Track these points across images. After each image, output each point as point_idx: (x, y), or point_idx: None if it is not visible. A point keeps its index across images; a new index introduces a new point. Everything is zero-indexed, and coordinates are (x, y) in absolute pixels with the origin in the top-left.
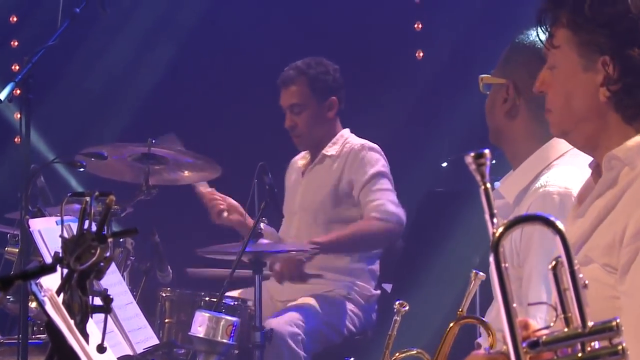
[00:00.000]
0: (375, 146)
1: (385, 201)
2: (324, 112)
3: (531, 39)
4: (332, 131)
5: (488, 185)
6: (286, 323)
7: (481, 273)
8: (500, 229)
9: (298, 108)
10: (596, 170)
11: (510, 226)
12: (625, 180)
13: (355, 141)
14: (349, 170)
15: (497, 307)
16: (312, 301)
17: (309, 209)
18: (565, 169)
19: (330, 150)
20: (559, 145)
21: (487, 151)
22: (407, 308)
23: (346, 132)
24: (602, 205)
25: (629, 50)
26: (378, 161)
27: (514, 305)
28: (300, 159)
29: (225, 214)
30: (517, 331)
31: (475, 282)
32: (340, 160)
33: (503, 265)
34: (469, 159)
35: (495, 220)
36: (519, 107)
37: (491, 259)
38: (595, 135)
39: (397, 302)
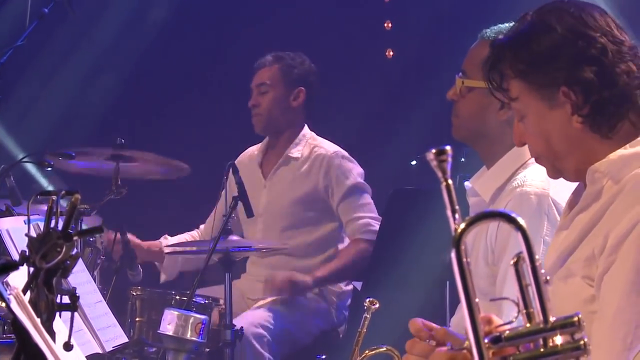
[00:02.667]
0: (347, 154)
1: (370, 220)
2: (289, 99)
3: None
4: (293, 123)
5: (449, 181)
6: (251, 324)
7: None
8: (462, 225)
9: (265, 87)
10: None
11: (472, 222)
12: (609, 194)
13: (327, 146)
14: (325, 177)
15: None
16: (280, 301)
17: (276, 212)
18: (541, 168)
19: (295, 152)
20: None
21: (448, 148)
22: (377, 306)
23: (308, 132)
24: (587, 219)
25: (580, 72)
26: (353, 170)
27: (476, 300)
28: (251, 158)
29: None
30: (479, 327)
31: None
32: (310, 165)
33: (464, 260)
34: (431, 155)
35: (457, 216)
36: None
37: (452, 254)
38: (583, 163)
39: (367, 300)
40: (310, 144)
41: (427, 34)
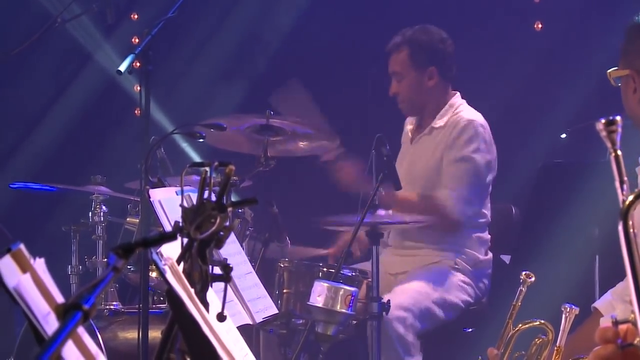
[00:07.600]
0: (482, 123)
1: (459, 196)
2: (424, 81)
3: None
4: (438, 100)
5: (619, 152)
6: (395, 307)
7: (574, 307)
8: (631, 197)
9: (399, 76)
10: None
11: None
12: None
13: (466, 114)
14: (447, 139)
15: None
16: (421, 280)
17: (414, 180)
18: None
19: (439, 122)
20: None
21: (618, 118)
22: (533, 279)
23: (456, 99)
24: None
25: None
26: (474, 141)
27: None
28: (409, 124)
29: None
30: None
31: (569, 317)
32: (446, 131)
33: (632, 232)
34: (600, 125)
35: (625, 187)
36: None
37: (620, 226)
38: None
39: (523, 273)
40: (454, 112)
41: (576, 6)
